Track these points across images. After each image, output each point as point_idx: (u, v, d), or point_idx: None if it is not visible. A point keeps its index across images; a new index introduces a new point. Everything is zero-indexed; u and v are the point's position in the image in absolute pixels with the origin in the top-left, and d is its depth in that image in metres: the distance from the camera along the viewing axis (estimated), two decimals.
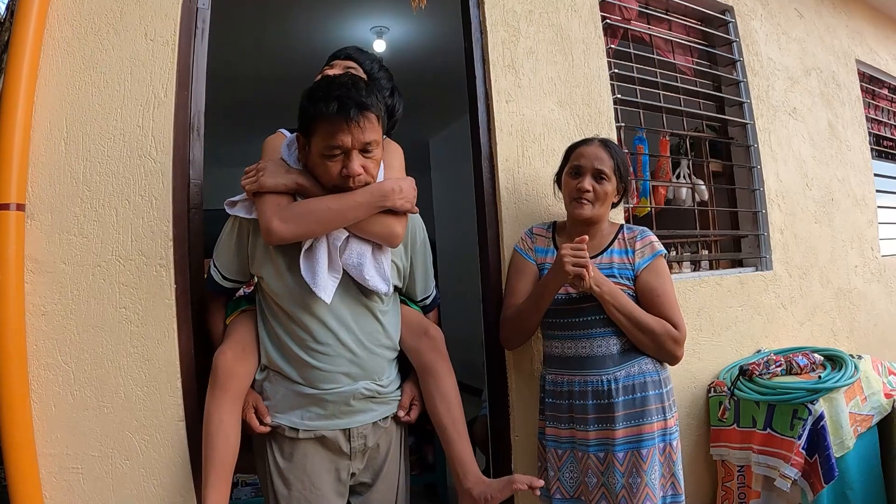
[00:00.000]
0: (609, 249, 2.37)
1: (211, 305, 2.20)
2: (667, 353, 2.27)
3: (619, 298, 2.21)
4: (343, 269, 1.97)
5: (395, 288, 2.15)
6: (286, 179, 1.94)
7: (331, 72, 2.14)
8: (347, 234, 1.95)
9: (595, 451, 2.25)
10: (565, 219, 2.52)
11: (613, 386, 2.24)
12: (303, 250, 1.92)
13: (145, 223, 2.12)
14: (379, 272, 2.01)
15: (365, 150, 1.87)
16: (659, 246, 2.37)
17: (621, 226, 2.45)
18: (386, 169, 2.08)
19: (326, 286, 1.92)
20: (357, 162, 1.86)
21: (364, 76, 2.16)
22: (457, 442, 2.14)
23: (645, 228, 2.46)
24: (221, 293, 2.17)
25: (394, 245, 2.04)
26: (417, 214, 2.15)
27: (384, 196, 1.94)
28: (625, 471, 2.20)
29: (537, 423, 2.50)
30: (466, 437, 2.16)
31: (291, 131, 2.12)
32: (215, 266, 2.10)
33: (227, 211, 2.03)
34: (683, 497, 2.30)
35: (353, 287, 2.01)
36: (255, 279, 2.11)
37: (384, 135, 2.02)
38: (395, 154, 2.19)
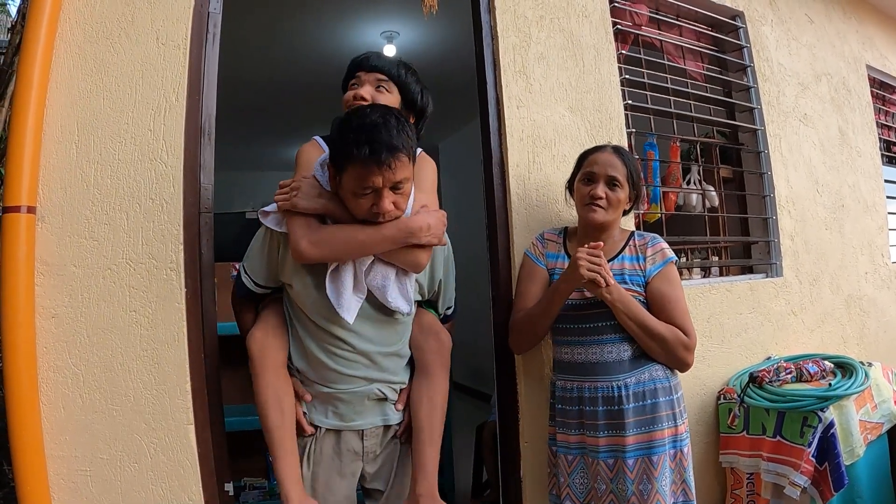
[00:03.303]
0: (620, 256, 2.37)
1: (243, 309, 2.19)
2: (677, 360, 2.27)
3: (629, 305, 2.20)
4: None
5: (417, 301, 2.17)
6: (318, 204, 1.94)
7: (361, 90, 2.12)
8: (373, 257, 1.97)
9: (605, 458, 2.25)
10: (576, 224, 2.51)
11: (624, 392, 2.23)
12: (329, 271, 1.94)
13: (156, 226, 2.13)
14: (402, 293, 2.02)
15: (395, 187, 1.87)
16: (670, 253, 2.37)
17: (632, 232, 2.45)
18: (417, 184, 2.08)
19: (350, 307, 1.95)
20: (388, 200, 1.86)
21: (395, 88, 2.18)
22: (427, 446, 2.11)
23: (656, 235, 2.46)
24: (252, 299, 2.17)
25: (417, 272, 2.06)
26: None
27: (411, 233, 1.94)
28: (635, 477, 2.19)
29: (547, 428, 2.49)
30: (437, 445, 2.14)
31: (325, 138, 2.12)
32: (247, 273, 2.10)
33: (261, 220, 2.04)
34: (694, 503, 2.29)
35: (376, 300, 2.03)
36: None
37: (418, 139, 2.05)
38: (427, 169, 2.20)
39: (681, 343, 2.23)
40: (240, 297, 2.17)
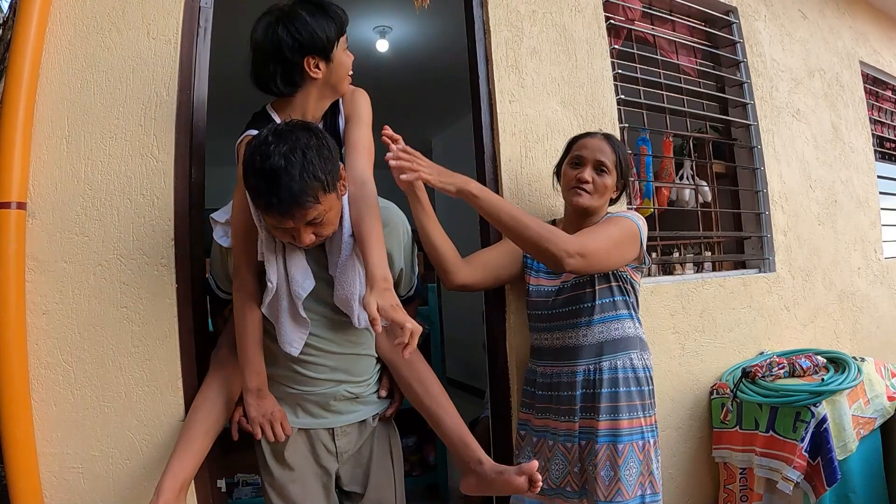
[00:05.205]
0: None
1: (212, 310, 2.25)
2: (542, 252, 2.09)
3: (490, 196, 2.11)
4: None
5: None
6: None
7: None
8: (314, 284, 1.92)
9: (579, 441, 2.26)
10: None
11: (598, 376, 2.24)
12: (265, 302, 1.91)
13: (147, 222, 2.12)
14: None
15: (312, 223, 1.76)
16: (629, 214, 2.32)
17: (609, 214, 2.40)
18: (353, 122, 2.07)
19: (293, 341, 1.93)
20: (306, 235, 1.77)
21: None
22: (445, 418, 2.12)
23: (632, 211, 2.45)
24: (219, 300, 2.20)
25: None
26: (399, 212, 2.12)
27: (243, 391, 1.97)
28: (599, 462, 2.19)
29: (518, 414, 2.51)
30: (455, 413, 2.14)
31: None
32: (211, 275, 2.15)
33: (213, 226, 2.03)
34: (661, 496, 2.27)
35: (335, 305, 1.99)
36: None
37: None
38: (362, 103, 2.13)
39: (552, 238, 2.06)
40: (208, 297, 2.20)
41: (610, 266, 2.23)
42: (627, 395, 2.23)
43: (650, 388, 2.31)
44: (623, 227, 2.24)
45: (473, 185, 2.08)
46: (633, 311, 2.35)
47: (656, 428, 2.31)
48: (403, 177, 2.02)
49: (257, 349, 1.92)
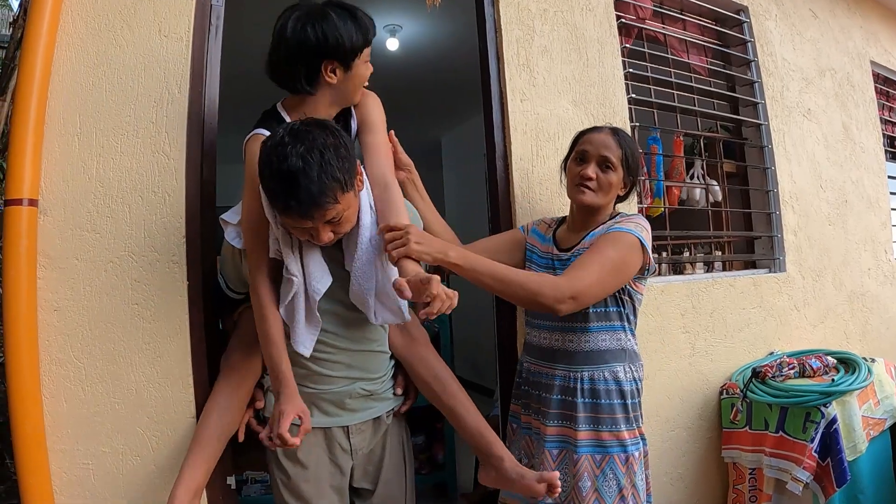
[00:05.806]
0: (591, 233, 2.26)
1: (222, 309, 2.24)
2: (536, 306, 2.09)
3: (473, 261, 2.02)
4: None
5: None
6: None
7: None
8: (331, 281, 1.90)
9: (551, 448, 2.23)
10: None
11: (578, 385, 2.19)
12: (284, 304, 1.89)
13: (158, 220, 2.12)
14: (388, 305, 1.92)
15: (331, 221, 1.75)
16: (631, 226, 2.19)
17: (619, 214, 2.32)
18: (368, 127, 2.07)
19: (305, 341, 1.92)
20: (325, 233, 1.76)
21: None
22: (464, 415, 2.12)
23: (638, 214, 2.36)
24: (229, 301, 2.19)
25: None
26: (414, 210, 2.14)
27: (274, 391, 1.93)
28: (577, 472, 2.16)
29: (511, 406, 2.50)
30: (474, 409, 2.14)
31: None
32: (222, 275, 2.14)
33: (224, 228, 2.03)
34: None
35: (348, 302, 1.97)
36: None
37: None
38: (373, 107, 2.13)
39: (541, 290, 2.03)
40: (216, 298, 2.19)
41: (608, 293, 2.17)
42: (609, 408, 2.18)
43: (636, 400, 2.25)
44: (622, 246, 2.15)
45: (453, 254, 1.97)
46: (626, 323, 2.26)
47: (642, 440, 2.25)
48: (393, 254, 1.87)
49: (280, 350, 1.90)
